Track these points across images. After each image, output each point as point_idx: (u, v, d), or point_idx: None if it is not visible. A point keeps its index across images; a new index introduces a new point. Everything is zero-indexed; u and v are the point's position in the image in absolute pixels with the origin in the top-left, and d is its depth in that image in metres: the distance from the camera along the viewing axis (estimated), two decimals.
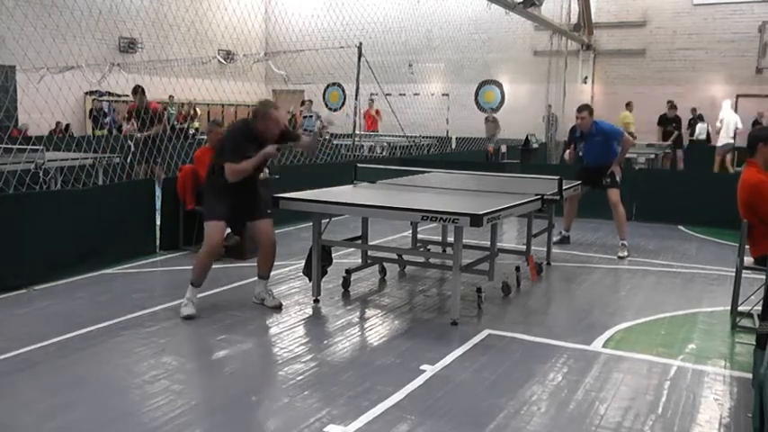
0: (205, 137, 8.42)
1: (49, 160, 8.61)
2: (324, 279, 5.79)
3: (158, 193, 7.76)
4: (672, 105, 16.59)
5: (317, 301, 5.64)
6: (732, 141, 15.93)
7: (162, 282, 6.36)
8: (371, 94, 17.44)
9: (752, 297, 5.12)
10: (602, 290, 6.34)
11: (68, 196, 6.62)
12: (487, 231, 5.68)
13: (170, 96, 17.73)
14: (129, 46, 20.07)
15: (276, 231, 5.50)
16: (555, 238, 7.74)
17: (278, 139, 5.31)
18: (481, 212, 4.71)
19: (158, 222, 7.41)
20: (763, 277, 4.44)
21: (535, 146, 15.99)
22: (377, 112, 19.54)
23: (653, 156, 13.68)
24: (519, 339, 4.83)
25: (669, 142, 15.94)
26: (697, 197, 9.43)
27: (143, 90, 10.25)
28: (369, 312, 5.54)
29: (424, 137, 17.86)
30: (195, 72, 13.60)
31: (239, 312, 5.30)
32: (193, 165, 7.29)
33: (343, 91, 22.89)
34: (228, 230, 6.57)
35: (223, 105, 19.99)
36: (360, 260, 6.47)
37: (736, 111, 17.45)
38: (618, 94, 19.97)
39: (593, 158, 7.86)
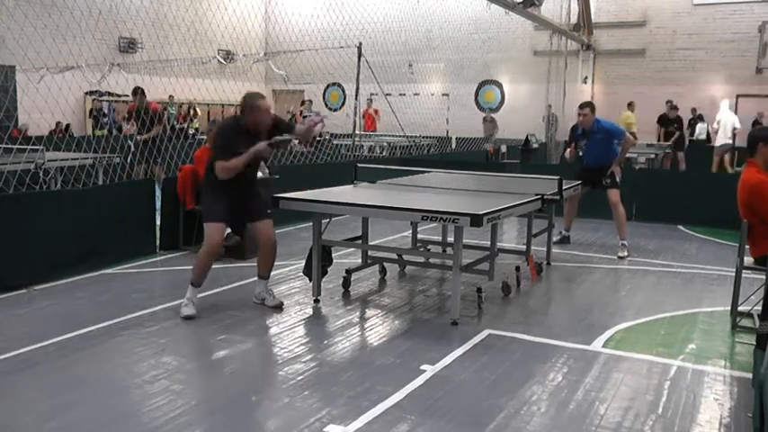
0: (205, 137, 8.42)
1: (49, 160, 8.61)
2: (324, 279, 5.79)
3: (158, 193, 7.77)
4: (673, 106, 16.58)
5: (317, 301, 5.64)
6: (730, 142, 15.93)
7: (162, 282, 6.36)
8: (371, 94, 17.44)
9: (752, 297, 5.13)
10: (602, 290, 6.34)
11: (68, 196, 6.62)
12: (487, 231, 5.68)
13: (170, 96, 17.74)
14: (128, 46, 20.07)
15: (276, 231, 5.50)
16: (555, 238, 7.74)
17: (270, 130, 5.27)
18: (481, 212, 4.71)
19: (158, 222, 7.41)
20: (763, 277, 4.45)
21: (535, 146, 16.00)
22: (375, 111, 19.55)
23: (653, 156, 13.69)
24: (519, 339, 4.83)
25: (670, 143, 15.93)
26: (697, 197, 9.43)
27: (143, 91, 10.26)
28: (369, 312, 5.54)
29: (423, 137, 17.87)
30: (195, 72, 13.59)
31: (239, 312, 5.30)
32: (193, 165, 7.29)
33: (343, 91, 22.93)
34: (228, 230, 6.57)
35: (223, 105, 19.98)
36: (360, 260, 6.47)
37: (736, 111, 17.46)
38: (618, 94, 19.98)
39: (594, 158, 7.86)
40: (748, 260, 5.21)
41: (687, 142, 16.96)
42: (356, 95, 12.98)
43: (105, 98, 18.89)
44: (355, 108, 13.59)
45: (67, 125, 17.43)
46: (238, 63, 18.25)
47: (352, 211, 5.50)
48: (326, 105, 23.51)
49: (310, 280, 5.68)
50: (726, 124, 15.86)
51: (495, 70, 21.22)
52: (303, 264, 5.72)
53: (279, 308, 5.41)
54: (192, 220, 7.15)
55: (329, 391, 3.89)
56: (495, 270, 5.84)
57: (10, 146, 8.38)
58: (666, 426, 3.57)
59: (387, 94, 14.92)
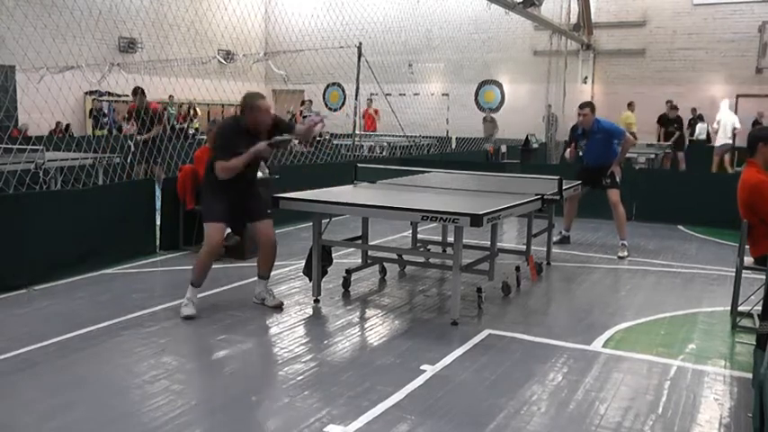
0: (205, 137, 8.42)
1: (49, 160, 8.61)
2: (324, 279, 5.79)
3: (158, 193, 7.77)
4: (673, 106, 16.57)
5: (317, 301, 5.64)
6: (730, 142, 15.93)
7: (162, 282, 6.36)
8: (371, 94, 17.44)
9: (752, 297, 5.13)
10: (602, 290, 6.34)
11: (68, 196, 6.62)
12: (487, 231, 5.68)
13: (170, 96, 17.74)
14: (128, 46, 20.07)
15: (276, 231, 5.50)
16: (555, 238, 7.74)
17: (270, 129, 5.27)
18: (481, 212, 4.71)
19: (158, 222, 7.41)
20: (763, 277, 4.45)
21: (535, 146, 16.00)
22: (375, 111, 19.56)
23: (653, 156, 13.69)
24: (519, 339, 4.83)
25: (670, 143, 15.92)
26: (697, 197, 9.43)
27: (143, 91, 10.26)
28: (369, 312, 5.54)
29: (423, 137, 17.87)
30: (195, 72, 13.59)
31: (239, 312, 5.30)
32: (193, 165, 7.29)
33: (343, 91, 22.94)
34: (228, 230, 6.57)
35: (223, 105, 19.98)
36: (360, 260, 6.47)
37: (736, 111, 17.46)
38: (618, 94, 19.98)
39: (594, 158, 7.86)
40: (748, 260, 5.21)
41: (687, 142, 16.96)
42: (356, 95, 12.99)
43: (105, 98, 18.89)
44: (355, 108, 13.60)
45: (67, 125, 17.43)
46: (238, 63, 18.25)
47: (352, 211, 5.50)
48: (326, 105, 23.52)
49: (310, 280, 5.68)
50: (725, 124, 15.86)
51: (495, 70, 21.23)
52: (303, 264, 5.72)
53: (279, 308, 5.41)
54: (192, 220, 7.16)
55: (329, 391, 3.89)
56: (495, 270, 5.84)
57: (10, 146, 8.38)
58: (666, 426, 3.57)
59: (387, 94, 14.93)
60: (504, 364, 4.36)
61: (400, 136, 16.40)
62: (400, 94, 17.87)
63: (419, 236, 7.30)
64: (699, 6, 19.50)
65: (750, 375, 4.13)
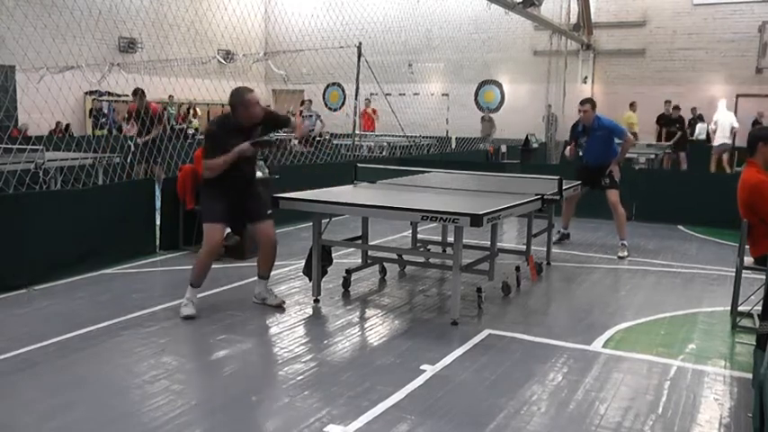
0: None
1: (49, 160, 8.61)
2: (324, 279, 5.79)
3: (158, 192, 7.77)
4: (675, 106, 16.53)
5: (317, 300, 5.64)
6: (728, 141, 15.91)
7: (162, 282, 6.36)
8: (371, 94, 17.44)
9: (752, 297, 5.13)
10: (602, 290, 6.34)
11: (68, 196, 6.62)
12: (487, 231, 5.68)
13: (170, 96, 17.74)
14: (128, 46, 20.06)
15: (276, 231, 5.50)
16: (554, 238, 7.73)
17: (264, 122, 5.23)
18: (481, 212, 4.71)
19: (158, 222, 7.41)
20: (763, 277, 4.45)
21: (535, 146, 16.01)
22: (374, 111, 19.57)
23: (653, 156, 13.69)
24: (519, 339, 4.83)
25: (671, 143, 15.89)
26: (697, 197, 9.43)
27: (143, 92, 10.26)
28: (369, 312, 5.54)
29: (423, 137, 17.87)
30: (195, 72, 13.60)
31: (239, 312, 5.30)
32: (193, 164, 7.28)
33: (343, 91, 22.93)
34: (228, 230, 6.57)
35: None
36: (360, 260, 6.47)
37: (735, 110, 17.45)
38: (618, 94, 19.98)
39: (594, 157, 7.85)
40: (748, 260, 5.21)
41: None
42: (356, 95, 12.99)
43: (105, 98, 18.89)
44: (355, 108, 13.60)
45: (67, 125, 17.42)
46: (238, 63, 18.24)
47: (352, 211, 5.50)
48: (326, 105, 23.52)
49: (310, 280, 5.68)
50: (723, 124, 15.86)
51: (495, 70, 21.23)
52: (303, 264, 5.72)
53: (280, 307, 5.41)
54: (192, 220, 7.15)
55: (329, 391, 3.89)
56: (495, 270, 5.84)
57: (10, 146, 8.38)
58: (666, 426, 3.57)
59: (387, 94, 14.93)
60: (504, 364, 4.36)
61: (400, 136, 16.40)
62: (400, 94, 17.88)
63: (419, 236, 7.31)
64: (699, 6, 19.50)
65: (750, 375, 4.13)
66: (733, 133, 16.03)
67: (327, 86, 23.66)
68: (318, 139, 15.57)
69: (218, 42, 15.93)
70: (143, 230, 7.16)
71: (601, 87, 21.05)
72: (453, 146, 19.34)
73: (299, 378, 4.07)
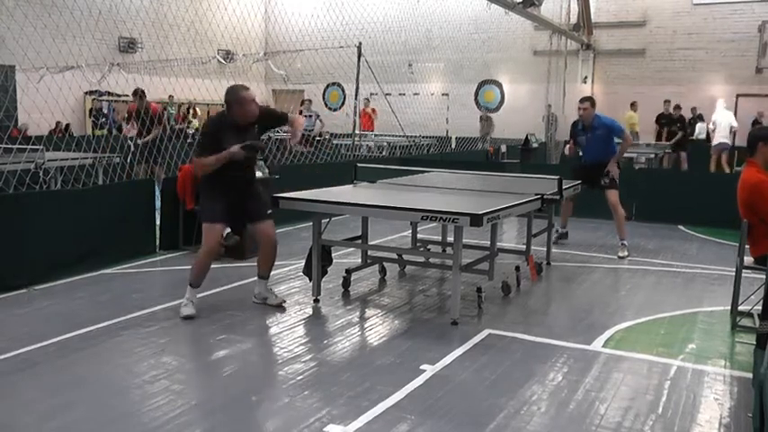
0: None
1: (49, 160, 8.61)
2: (324, 279, 5.79)
3: (158, 192, 7.77)
4: (676, 105, 16.49)
5: (317, 300, 5.64)
6: (726, 141, 15.88)
7: (162, 282, 6.36)
8: (370, 94, 17.45)
9: (752, 297, 5.13)
10: (602, 290, 6.34)
11: (68, 196, 6.62)
12: (487, 231, 5.68)
13: (170, 96, 17.73)
14: (128, 46, 20.07)
15: (276, 231, 5.50)
16: (552, 237, 7.67)
17: (258, 120, 5.19)
18: (481, 212, 4.70)
19: (158, 222, 7.41)
20: (763, 277, 4.44)
21: (535, 146, 16.01)
22: (372, 110, 19.58)
23: (653, 156, 13.69)
24: (519, 339, 4.83)
25: (672, 142, 15.86)
26: (697, 197, 9.43)
27: (143, 92, 10.26)
28: (369, 312, 5.53)
29: (423, 137, 17.88)
30: (195, 72, 13.59)
31: (239, 312, 5.30)
32: (193, 165, 7.28)
33: (343, 91, 22.94)
34: (228, 230, 6.56)
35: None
36: (360, 260, 6.47)
37: (735, 110, 17.44)
38: (618, 94, 19.99)
39: (593, 155, 7.85)
40: (748, 260, 5.20)
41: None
42: (356, 95, 12.99)
43: (105, 98, 18.90)
44: (355, 108, 13.60)
45: (67, 125, 17.43)
46: (238, 63, 18.24)
47: (352, 211, 5.50)
48: (326, 105, 23.52)
49: (310, 280, 5.68)
50: (721, 123, 15.84)
51: (494, 70, 21.24)
52: (303, 264, 5.72)
53: (281, 306, 5.41)
54: (192, 220, 7.15)
55: (329, 391, 3.89)
56: (495, 270, 5.84)
57: (10, 146, 8.38)
58: (666, 426, 3.56)
59: (386, 94, 14.93)
60: (504, 363, 4.36)
61: (400, 136, 16.40)
62: (400, 94, 17.88)
63: (419, 236, 7.30)
64: (699, 6, 19.50)
65: (750, 375, 4.13)
66: (732, 133, 16.01)
67: (327, 86, 23.66)
68: (318, 138, 15.57)
69: (218, 42, 15.93)
70: (143, 230, 7.16)
71: (601, 87, 21.06)
72: (453, 146, 19.35)
73: (299, 378, 4.07)
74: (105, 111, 19.18)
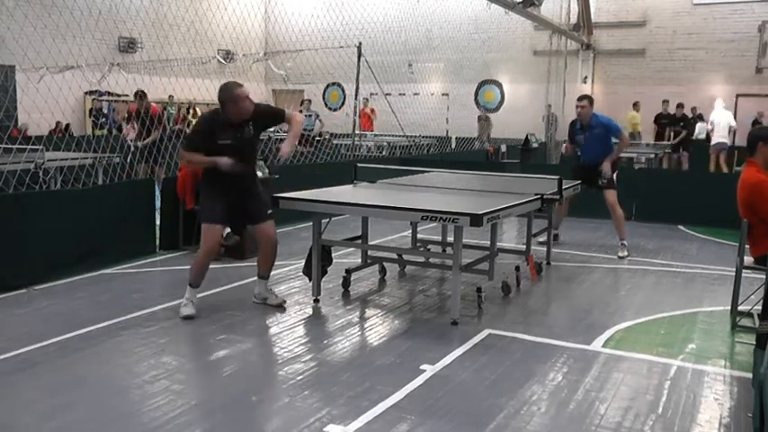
0: None
1: (48, 160, 8.62)
2: (324, 279, 5.79)
3: (158, 192, 7.76)
4: (678, 104, 16.43)
5: (317, 300, 5.64)
6: (725, 141, 15.85)
7: (162, 282, 6.36)
8: (370, 94, 17.45)
9: (752, 297, 5.13)
10: (602, 290, 6.34)
11: (68, 196, 6.62)
12: (487, 231, 5.68)
13: (170, 96, 17.73)
14: (128, 46, 20.07)
15: (276, 231, 5.49)
16: (543, 238, 7.63)
17: (253, 118, 5.12)
18: (481, 212, 4.70)
19: (158, 222, 7.41)
20: (763, 277, 4.45)
21: (535, 145, 16.01)
22: (372, 110, 19.57)
23: (652, 155, 13.68)
24: (519, 339, 4.83)
25: (675, 142, 15.81)
26: (697, 197, 9.43)
27: (144, 94, 10.26)
28: (369, 312, 5.53)
29: (423, 137, 17.87)
30: (195, 72, 13.58)
31: (239, 312, 5.30)
32: None
33: (343, 91, 22.93)
34: (228, 230, 6.56)
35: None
36: (360, 260, 6.47)
37: (735, 110, 17.43)
38: (618, 94, 19.99)
39: (591, 155, 7.83)
40: (748, 260, 5.20)
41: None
42: (356, 95, 12.99)
43: (105, 98, 18.90)
44: (355, 108, 13.60)
45: (67, 125, 17.43)
46: (238, 63, 18.23)
47: (352, 211, 5.50)
48: (326, 105, 23.52)
49: (310, 280, 5.68)
50: (720, 123, 15.82)
51: (494, 70, 21.22)
52: (303, 264, 5.72)
53: (281, 306, 5.41)
54: (192, 220, 7.14)
55: (329, 391, 3.89)
56: (495, 270, 5.84)
57: (10, 146, 8.38)
58: (666, 426, 3.57)
59: (387, 94, 14.93)
60: (504, 363, 4.36)
61: (400, 136, 16.39)
62: (400, 94, 17.87)
63: (419, 236, 7.30)
64: (699, 6, 19.51)
65: (750, 375, 4.13)
66: (732, 132, 16.00)
67: (327, 86, 23.66)
68: (318, 138, 15.57)
69: (218, 42, 15.92)
70: (143, 230, 7.16)
71: (601, 87, 21.06)
72: (453, 146, 19.35)
73: (299, 378, 4.07)
74: (105, 111, 19.17)
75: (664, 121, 16.50)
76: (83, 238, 6.37)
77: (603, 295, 6.13)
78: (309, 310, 5.48)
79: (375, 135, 18.36)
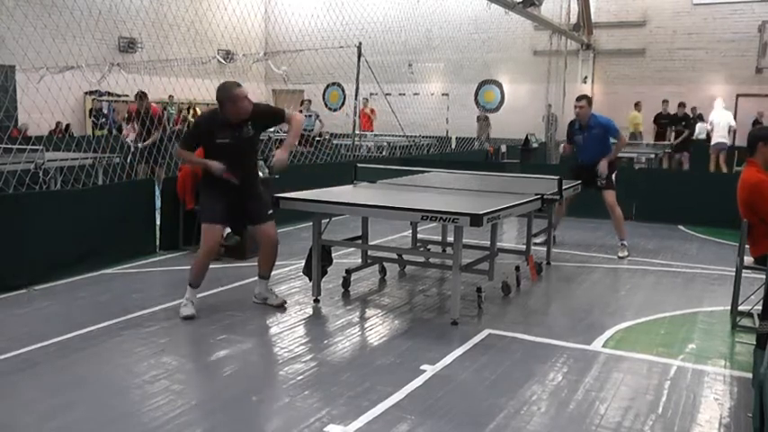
0: None
1: (48, 160, 8.61)
2: (324, 279, 5.79)
3: (158, 192, 7.76)
4: (680, 103, 16.38)
5: (317, 300, 5.64)
6: (724, 141, 15.83)
7: (162, 282, 6.36)
8: (370, 94, 17.45)
9: (752, 297, 5.13)
10: (602, 290, 6.34)
11: (68, 196, 6.62)
12: (487, 231, 5.68)
13: (170, 96, 17.73)
14: (128, 46, 20.07)
15: (277, 231, 5.49)
16: (541, 239, 7.62)
17: (252, 118, 5.10)
18: (481, 212, 4.70)
19: (158, 222, 7.41)
20: (763, 277, 4.45)
21: (535, 146, 16.00)
22: (371, 111, 19.57)
23: (652, 155, 13.68)
24: (519, 339, 4.83)
25: (677, 142, 15.79)
26: (697, 197, 9.43)
27: (144, 95, 10.26)
28: (369, 312, 5.54)
29: (423, 137, 17.87)
30: (195, 72, 13.58)
31: (239, 312, 5.30)
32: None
33: (343, 91, 22.92)
34: (228, 230, 6.56)
35: None
36: (360, 260, 6.47)
37: (735, 110, 17.42)
38: (618, 94, 19.99)
39: (590, 156, 7.82)
40: (748, 260, 5.20)
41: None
42: (356, 95, 12.99)
43: (105, 98, 18.90)
44: (355, 108, 13.60)
45: (67, 125, 17.43)
46: (238, 63, 18.24)
47: (352, 211, 5.50)
48: (326, 105, 23.52)
49: (310, 280, 5.68)
50: (719, 123, 15.81)
51: (494, 70, 21.22)
52: (303, 264, 5.72)
53: (282, 306, 5.41)
54: (192, 220, 7.14)
55: (329, 391, 3.89)
56: (495, 270, 5.84)
57: (10, 146, 8.38)
58: (666, 426, 3.57)
59: (387, 94, 14.93)
60: (504, 363, 4.36)
61: (400, 136, 16.39)
62: (400, 94, 17.87)
63: (419, 236, 7.30)
64: (699, 6, 19.51)
65: (750, 375, 4.13)
66: (731, 132, 15.98)
67: (327, 86, 23.66)
68: (318, 139, 15.57)
69: (218, 42, 15.92)
70: (143, 230, 7.16)
71: (601, 87, 21.06)
72: (453, 146, 19.34)
73: (299, 378, 4.07)
74: (105, 111, 19.17)
75: (664, 121, 16.48)
76: (83, 239, 6.37)
77: (603, 295, 6.13)
78: (309, 310, 5.48)
79: (375, 135, 18.34)
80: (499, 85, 22.13)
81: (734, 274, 5.28)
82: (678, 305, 5.75)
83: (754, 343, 4.24)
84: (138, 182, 8.15)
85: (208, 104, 19.66)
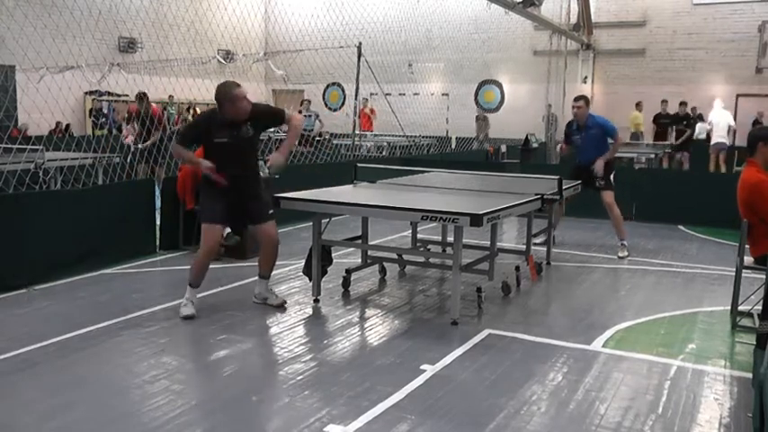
0: None
1: (48, 160, 8.62)
2: (324, 279, 5.79)
3: (158, 192, 7.76)
4: (682, 102, 16.35)
5: (317, 300, 5.64)
6: (724, 141, 15.81)
7: (162, 282, 6.36)
8: (370, 94, 17.45)
9: (752, 297, 5.13)
10: (602, 290, 6.34)
11: (68, 196, 6.62)
12: (487, 231, 5.68)
13: (170, 96, 17.73)
14: (128, 46, 20.07)
15: (278, 231, 5.49)
16: (539, 240, 7.60)
17: (251, 118, 5.10)
18: (481, 212, 4.70)
19: (158, 222, 7.41)
20: (763, 277, 4.45)
21: (535, 145, 16.00)
22: (371, 111, 19.56)
23: (652, 155, 13.68)
24: (519, 339, 4.83)
25: (679, 142, 15.77)
26: (697, 197, 9.43)
27: (145, 95, 10.26)
28: (369, 312, 5.53)
29: (423, 137, 17.87)
30: (195, 72, 13.59)
31: (239, 312, 5.30)
32: None
33: (343, 91, 22.92)
34: (228, 230, 6.56)
35: None
36: (360, 260, 6.47)
37: (735, 110, 17.42)
38: (618, 94, 19.99)
39: (588, 156, 7.82)
40: (748, 260, 5.21)
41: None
42: (356, 95, 12.98)
43: (105, 98, 18.89)
44: (355, 108, 13.60)
45: (67, 125, 17.43)
46: (238, 63, 18.23)
47: (352, 211, 5.50)
48: (326, 105, 23.52)
49: (310, 280, 5.68)
50: (719, 123, 15.80)
51: (494, 70, 21.20)
52: (303, 264, 5.72)
53: (282, 306, 5.41)
54: (192, 220, 7.14)
55: (329, 391, 3.89)
56: (495, 270, 5.84)
57: (10, 146, 8.38)
58: (666, 426, 3.57)
59: (387, 94, 14.92)
60: (504, 363, 4.36)
61: (400, 136, 16.39)
62: (400, 94, 17.86)
63: (419, 236, 7.30)
64: (699, 6, 19.50)
65: (750, 375, 4.13)
66: (731, 132, 15.98)
67: (327, 86, 23.66)
68: (318, 139, 15.57)
69: (218, 42, 15.92)
70: (143, 230, 7.16)
71: (601, 87, 21.06)
72: (453, 146, 19.35)
73: (299, 378, 4.07)
74: (105, 111, 19.16)
75: (664, 121, 16.46)
76: (83, 238, 6.37)
77: (603, 295, 6.13)
78: (309, 310, 5.48)
79: (375, 135, 18.34)
80: (499, 85, 22.08)
81: (734, 274, 5.28)
82: (678, 305, 5.75)
83: (754, 343, 4.24)
84: (138, 182, 8.15)
85: (208, 104, 19.63)
